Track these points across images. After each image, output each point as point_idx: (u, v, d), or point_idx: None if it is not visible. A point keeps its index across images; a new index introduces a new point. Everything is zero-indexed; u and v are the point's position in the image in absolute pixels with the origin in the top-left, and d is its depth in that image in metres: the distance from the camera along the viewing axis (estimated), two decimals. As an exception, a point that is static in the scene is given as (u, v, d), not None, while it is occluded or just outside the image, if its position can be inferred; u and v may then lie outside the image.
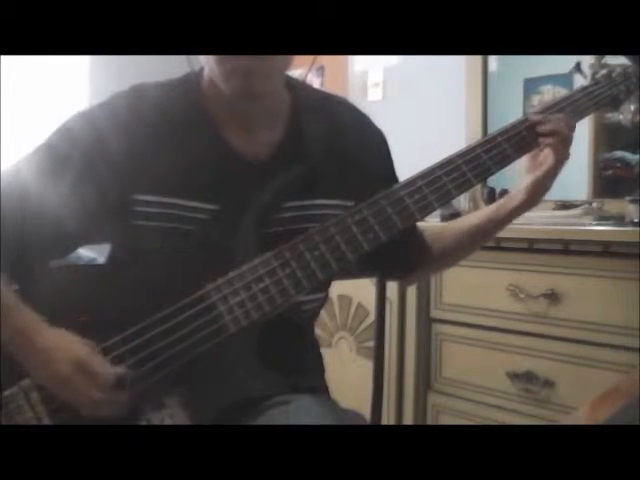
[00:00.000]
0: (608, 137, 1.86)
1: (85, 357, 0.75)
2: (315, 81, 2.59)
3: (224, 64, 0.82)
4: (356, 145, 0.96)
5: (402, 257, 1.02)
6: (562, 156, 0.92)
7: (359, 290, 1.83)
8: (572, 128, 0.93)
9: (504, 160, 0.91)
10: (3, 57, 2.06)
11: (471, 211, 2.00)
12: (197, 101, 0.89)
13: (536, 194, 0.94)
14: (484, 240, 1.05)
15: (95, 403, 0.74)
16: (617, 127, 1.62)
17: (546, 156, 0.92)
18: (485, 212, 1.01)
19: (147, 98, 0.89)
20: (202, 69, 0.90)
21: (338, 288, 1.81)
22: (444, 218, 1.83)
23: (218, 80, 0.84)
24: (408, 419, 1.76)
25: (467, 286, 1.64)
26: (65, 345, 0.75)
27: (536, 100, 2.02)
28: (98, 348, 0.77)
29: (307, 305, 0.94)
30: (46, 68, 2.39)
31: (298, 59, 0.89)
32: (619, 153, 1.86)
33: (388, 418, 1.77)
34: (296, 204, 0.89)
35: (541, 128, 0.91)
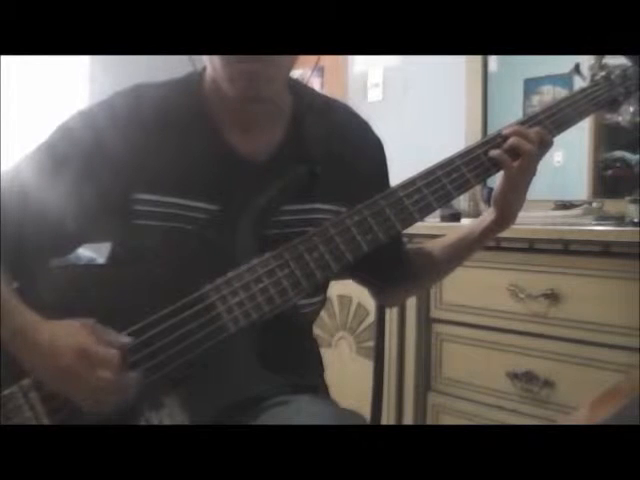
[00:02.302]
0: (608, 137, 1.85)
1: (86, 342, 0.74)
2: (315, 81, 2.59)
3: (230, 66, 0.81)
4: (354, 151, 0.96)
5: (386, 268, 1.01)
6: (527, 174, 0.88)
7: (359, 290, 1.81)
8: (548, 144, 0.90)
9: None
10: (3, 57, 2.06)
11: (471, 211, 2.00)
12: (198, 101, 0.89)
13: (506, 209, 0.92)
14: (459, 260, 1.03)
15: (104, 385, 0.73)
16: (617, 127, 1.62)
17: (514, 172, 0.88)
18: (460, 232, 1.00)
19: (147, 97, 0.89)
20: (204, 69, 0.90)
21: (338, 288, 1.81)
22: (444, 218, 1.83)
23: (222, 82, 0.84)
24: (408, 419, 1.76)
25: (467, 286, 1.64)
26: (63, 336, 0.74)
27: (536, 100, 2.02)
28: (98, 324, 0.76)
29: (305, 309, 0.93)
30: (46, 68, 2.39)
31: (300, 60, 0.89)
32: (619, 153, 1.85)
33: (388, 418, 1.77)
34: (295, 208, 0.89)
35: (508, 144, 0.88)
